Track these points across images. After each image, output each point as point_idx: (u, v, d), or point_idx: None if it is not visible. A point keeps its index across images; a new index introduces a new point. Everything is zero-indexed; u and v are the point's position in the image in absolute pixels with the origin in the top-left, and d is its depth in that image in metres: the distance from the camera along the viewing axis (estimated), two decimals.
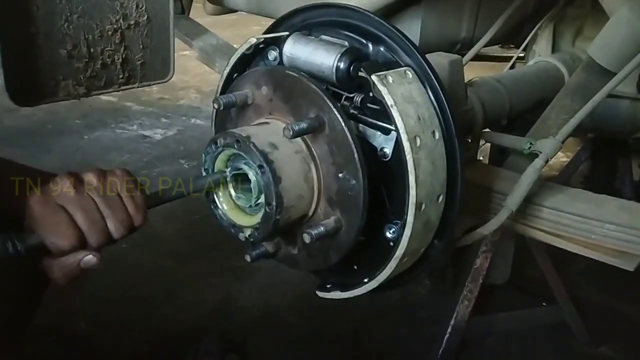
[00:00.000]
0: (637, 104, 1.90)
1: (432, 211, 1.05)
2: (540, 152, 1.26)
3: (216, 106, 1.09)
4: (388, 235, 1.07)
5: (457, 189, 1.06)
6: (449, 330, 1.93)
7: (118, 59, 1.76)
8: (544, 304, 2.21)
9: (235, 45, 2.22)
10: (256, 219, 1.05)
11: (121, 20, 1.73)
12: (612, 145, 2.62)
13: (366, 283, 1.12)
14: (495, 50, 3.47)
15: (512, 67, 2.26)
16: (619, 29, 1.31)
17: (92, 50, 1.69)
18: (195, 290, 2.30)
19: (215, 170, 1.09)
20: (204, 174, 1.10)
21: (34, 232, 0.87)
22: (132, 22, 1.75)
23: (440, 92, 1.05)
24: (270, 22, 1.25)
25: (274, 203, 1.00)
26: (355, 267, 1.15)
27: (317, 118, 1.01)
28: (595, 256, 1.26)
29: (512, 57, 3.46)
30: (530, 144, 1.30)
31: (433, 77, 1.05)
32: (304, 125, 0.99)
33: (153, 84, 1.89)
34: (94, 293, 2.17)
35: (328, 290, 1.20)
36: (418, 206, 1.01)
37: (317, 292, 1.21)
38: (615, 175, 2.76)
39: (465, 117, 1.48)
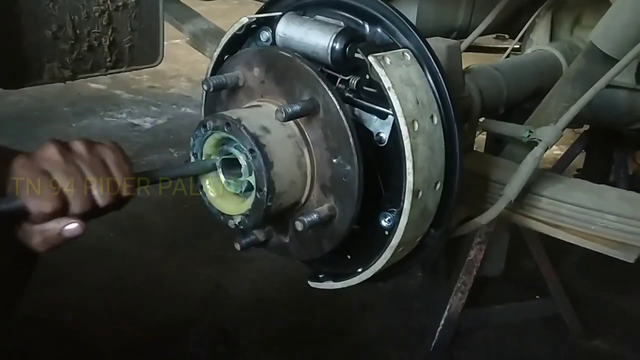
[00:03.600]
0: (636, 95, 1.87)
1: (429, 199, 1.01)
2: (540, 140, 1.22)
3: (205, 88, 1.05)
4: (383, 223, 1.03)
5: (456, 176, 1.03)
6: (442, 322, 1.91)
7: (105, 42, 1.70)
8: (537, 296, 2.19)
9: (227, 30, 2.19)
10: (246, 205, 1.01)
11: (109, 1, 1.67)
12: (608, 137, 2.59)
13: (360, 273, 1.09)
14: (489, 41, 3.45)
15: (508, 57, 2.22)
16: (622, 14, 1.27)
17: (78, 31, 1.64)
18: (184, 280, 2.26)
19: (204, 155, 1.05)
20: (192, 158, 1.06)
21: (15, 196, 0.83)
22: (120, 4, 1.70)
23: (440, 75, 1.01)
24: None
25: (265, 189, 0.96)
26: (349, 256, 1.12)
27: (311, 101, 0.97)
28: (595, 247, 1.23)
29: (506, 48, 3.43)
30: (530, 132, 1.27)
31: (432, 60, 1.01)
32: (297, 108, 0.95)
33: (142, 68, 1.84)
34: (80, 283, 2.13)
35: (320, 281, 1.16)
36: (415, 193, 0.97)
37: (309, 282, 1.18)
38: (609, 169, 2.73)
39: (462, 105, 1.44)
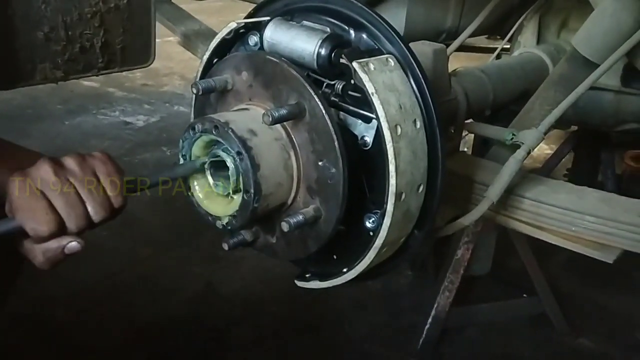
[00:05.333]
0: (621, 97, 1.90)
1: (412, 201, 1.03)
2: (523, 143, 1.25)
3: (195, 91, 1.07)
4: (368, 224, 1.05)
5: (438, 179, 1.05)
6: (430, 320, 1.93)
7: (97, 43, 1.72)
8: (524, 295, 2.22)
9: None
10: (234, 206, 1.03)
11: (101, 2, 1.69)
12: (595, 138, 2.63)
13: (345, 273, 1.11)
14: (481, 42, 3.47)
15: (497, 58, 2.25)
16: (603, 20, 1.30)
17: (70, 33, 1.65)
18: (175, 279, 2.28)
19: (193, 157, 1.07)
20: (181, 160, 1.08)
21: (13, 218, 0.87)
22: (112, 5, 1.71)
23: (423, 80, 1.03)
24: None
25: (252, 190, 0.98)
26: (335, 256, 1.14)
27: (297, 105, 0.99)
28: (576, 248, 1.26)
29: (496, 48, 3.48)
30: (513, 134, 1.30)
31: (415, 66, 1.04)
32: (283, 111, 0.97)
33: (134, 69, 1.85)
34: (71, 281, 2.14)
35: (307, 280, 1.19)
36: (398, 196, 0.99)
37: (296, 282, 1.20)
38: (598, 168, 2.77)
39: (448, 107, 1.47)
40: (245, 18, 1.20)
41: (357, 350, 1.99)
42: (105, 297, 2.15)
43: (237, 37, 1.17)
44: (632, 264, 1.27)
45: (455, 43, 2.04)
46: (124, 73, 1.84)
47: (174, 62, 4.97)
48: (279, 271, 2.31)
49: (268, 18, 1.13)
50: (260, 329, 2.05)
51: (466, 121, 1.53)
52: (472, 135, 1.89)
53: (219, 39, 1.17)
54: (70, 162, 0.90)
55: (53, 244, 0.89)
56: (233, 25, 1.14)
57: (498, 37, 3.00)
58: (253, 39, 1.14)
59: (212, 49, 1.18)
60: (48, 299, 2.10)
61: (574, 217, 1.24)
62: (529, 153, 1.24)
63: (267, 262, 2.30)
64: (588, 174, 2.79)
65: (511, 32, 2.04)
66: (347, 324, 2.10)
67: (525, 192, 1.29)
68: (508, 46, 2.38)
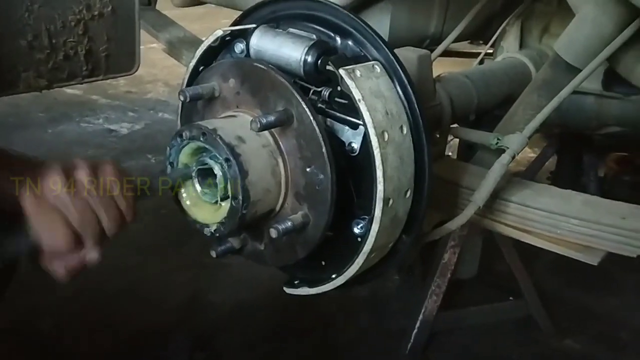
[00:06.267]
0: (602, 101, 1.93)
1: (399, 206, 1.04)
2: (508, 148, 1.26)
3: (182, 98, 1.07)
4: (356, 230, 1.06)
5: (425, 184, 1.06)
6: (418, 324, 1.94)
7: (81, 51, 1.71)
8: (510, 298, 2.24)
9: (202, 38, 2.20)
10: (222, 213, 1.03)
11: (84, 10, 1.67)
12: (578, 141, 2.66)
13: (334, 279, 1.11)
14: (464, 47, 3.50)
15: (480, 63, 2.27)
16: (584, 26, 1.32)
17: (53, 41, 1.64)
18: (162, 287, 2.27)
19: (180, 164, 1.07)
20: (169, 167, 1.08)
21: (30, 234, 0.89)
22: (96, 13, 1.70)
23: (409, 86, 1.04)
24: (239, 13, 1.23)
25: (240, 197, 0.98)
26: (323, 262, 1.15)
27: (285, 111, 1.00)
28: (561, 251, 1.27)
29: (479, 53, 3.50)
30: (498, 139, 1.31)
31: (401, 72, 1.05)
32: (271, 118, 0.98)
33: (118, 77, 1.85)
34: (56, 290, 2.12)
35: (295, 287, 1.19)
36: (385, 201, 1.00)
37: (285, 289, 1.20)
38: (581, 171, 2.81)
39: (433, 113, 1.48)
40: (231, 25, 1.20)
41: (346, 355, 1.99)
42: (91, 307, 2.13)
43: (223, 45, 1.17)
44: (616, 265, 1.29)
45: (439, 48, 2.05)
46: (107, 80, 1.83)
47: (158, 68, 4.95)
48: (266, 278, 2.31)
49: (254, 25, 1.14)
50: (248, 335, 2.04)
51: (451, 126, 1.54)
52: (457, 139, 1.90)
53: (205, 47, 1.17)
54: (83, 175, 0.91)
55: (71, 259, 0.92)
56: (219, 32, 1.14)
57: (480, 42, 3.04)
58: (239, 47, 1.15)
59: (198, 57, 1.19)
60: (32, 310, 2.08)
61: (559, 220, 1.26)
62: (513, 157, 1.25)
63: (254, 269, 2.28)
64: (571, 176, 2.82)
65: (494, 37, 2.06)
66: (335, 329, 2.10)
67: (510, 196, 1.31)
68: (491, 51, 2.41)
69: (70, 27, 1.67)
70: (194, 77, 1.19)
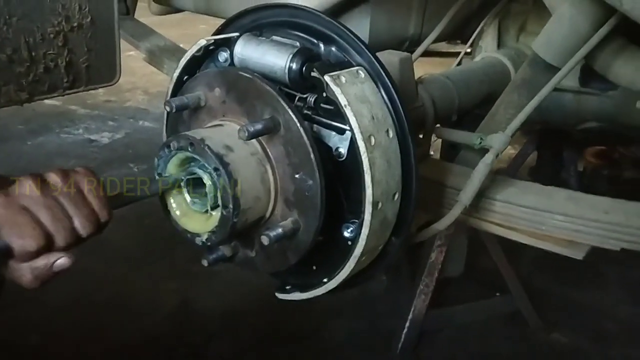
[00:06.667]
0: (580, 97, 1.97)
1: (388, 209, 1.05)
2: (491, 147, 1.28)
3: (168, 109, 1.07)
4: (346, 234, 1.07)
5: (412, 186, 1.07)
6: (407, 324, 1.96)
7: (62, 63, 1.69)
8: (497, 294, 2.27)
9: (182, 46, 2.20)
10: (212, 222, 1.03)
11: (63, 22, 1.66)
12: (558, 137, 2.70)
13: (326, 283, 1.12)
14: (441, 47, 3.54)
15: (459, 63, 2.30)
16: (561, 25, 1.35)
17: (33, 53, 1.63)
18: (150, 296, 2.26)
19: (167, 174, 1.07)
20: (157, 178, 1.08)
21: None
22: (75, 25, 1.69)
23: (393, 90, 1.05)
24: (218, 20, 1.23)
25: (230, 206, 0.99)
26: (314, 267, 1.15)
27: (272, 119, 1.00)
28: (546, 246, 1.30)
29: (458, 52, 3.55)
30: (481, 139, 1.33)
31: (385, 76, 1.06)
32: (259, 126, 0.98)
33: (99, 87, 1.83)
34: (44, 303, 2.10)
35: (287, 292, 1.19)
36: (375, 205, 1.01)
37: (277, 294, 1.21)
38: (561, 166, 2.85)
39: (416, 114, 1.50)
40: (214, 34, 1.21)
41: (337, 356, 2.00)
42: (80, 319, 2.11)
43: (207, 54, 1.17)
44: (599, 259, 1.32)
45: (419, 50, 2.07)
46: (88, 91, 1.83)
47: (137, 77, 4.93)
48: (254, 284, 2.31)
49: (237, 34, 1.14)
50: (239, 342, 2.04)
51: (435, 127, 1.56)
52: (439, 140, 1.92)
53: (188, 57, 1.17)
54: (53, 177, 0.88)
55: (41, 260, 0.85)
56: (202, 42, 1.14)
57: (458, 41, 3.08)
58: (223, 55, 1.15)
59: (182, 67, 1.19)
60: (20, 324, 2.05)
61: (543, 217, 1.28)
62: (497, 156, 1.27)
63: (242, 276, 2.29)
64: (551, 171, 2.87)
65: (472, 37, 2.09)
66: (326, 332, 2.11)
67: (495, 194, 1.33)
68: (469, 50, 2.44)
69: (50, 39, 1.65)
70: (179, 86, 1.19)
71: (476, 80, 1.80)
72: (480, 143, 1.32)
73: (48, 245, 0.85)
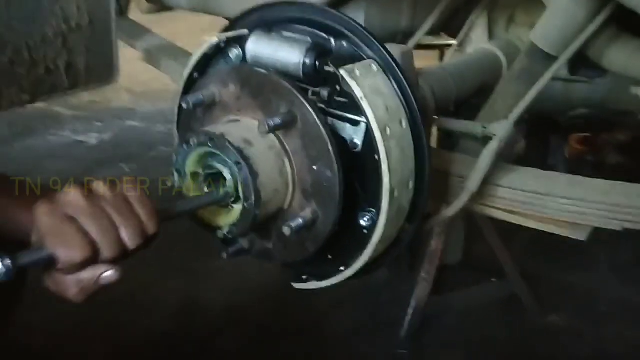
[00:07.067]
0: (569, 85, 2.03)
1: (403, 197, 1.09)
2: (494, 135, 1.33)
3: (185, 106, 1.09)
4: (362, 223, 1.10)
5: (425, 174, 1.11)
6: (410, 311, 2.00)
7: (62, 64, 1.71)
8: (493, 279, 2.32)
9: (178, 44, 2.21)
10: (233, 216, 1.05)
11: (63, 23, 1.68)
12: (545, 125, 2.77)
13: (343, 271, 1.15)
14: (425, 39, 3.58)
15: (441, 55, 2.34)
16: (558, 16, 1.39)
17: (34, 56, 1.64)
18: (153, 295, 2.27)
19: (187, 170, 1.09)
20: (175, 174, 1.10)
21: (42, 247, 0.81)
22: (73, 26, 1.70)
23: (404, 82, 1.09)
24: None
25: (252, 199, 1.01)
26: (330, 256, 1.18)
27: (289, 113, 1.03)
28: (550, 229, 1.34)
29: (441, 44, 3.61)
30: (484, 127, 1.37)
31: (396, 68, 1.09)
32: (278, 120, 1.01)
33: (98, 87, 1.85)
34: (46, 306, 2.09)
35: (304, 281, 1.22)
36: (391, 193, 1.04)
37: (293, 284, 1.23)
38: (548, 153, 2.92)
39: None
40: (222, 32, 1.23)
41: (343, 347, 2.04)
42: (84, 320, 2.11)
43: (218, 52, 1.19)
44: (591, 241, 1.37)
45: (411, 42, 2.11)
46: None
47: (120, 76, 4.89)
48: (256, 279, 2.34)
49: (247, 31, 1.17)
50: (245, 335, 2.07)
51: (435, 117, 1.60)
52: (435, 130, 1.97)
53: (200, 55, 1.19)
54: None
55: (87, 273, 0.82)
56: (214, 40, 1.16)
57: (440, 33, 3.13)
58: (234, 52, 1.17)
59: (193, 65, 1.21)
60: (23, 326, 2.04)
61: (546, 201, 1.32)
62: (501, 144, 1.31)
63: (244, 271, 2.32)
64: (539, 158, 2.94)
65: (464, 30, 2.12)
66: (329, 323, 2.15)
67: (499, 180, 1.37)
68: (453, 41, 2.49)
69: (50, 40, 1.67)
70: (190, 84, 1.21)
71: (471, 71, 1.84)
72: (483, 132, 1.36)
73: (94, 257, 0.81)
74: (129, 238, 0.84)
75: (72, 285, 0.83)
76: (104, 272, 0.84)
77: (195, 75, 1.21)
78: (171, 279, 2.36)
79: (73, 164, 3.48)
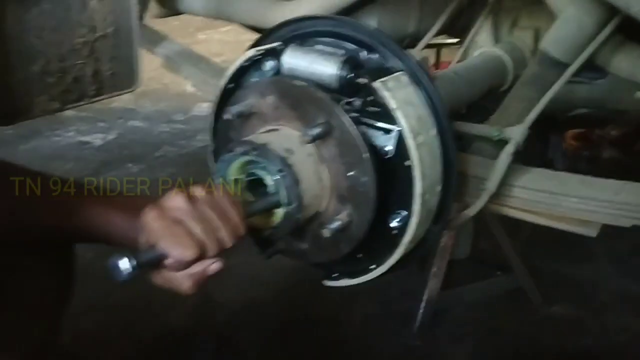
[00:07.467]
0: (571, 86, 2.10)
1: (432, 200, 1.17)
2: (510, 139, 1.41)
3: (229, 117, 1.17)
4: (393, 224, 1.18)
5: (452, 178, 1.19)
6: (423, 305, 2.09)
7: (88, 72, 1.77)
8: (498, 273, 2.41)
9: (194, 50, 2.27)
10: (275, 219, 1.13)
11: (89, 33, 1.73)
12: (544, 123, 2.85)
13: (374, 269, 1.23)
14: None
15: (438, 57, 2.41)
16: (568, 25, 1.48)
17: (63, 64, 1.70)
18: (168, 293, 2.32)
19: (229, 178, 1.16)
20: (218, 181, 1.17)
21: (153, 247, 0.92)
22: (100, 34, 1.76)
23: (433, 92, 1.17)
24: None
25: (295, 204, 1.09)
26: (359, 255, 1.26)
27: (327, 123, 1.10)
28: (563, 227, 1.43)
29: (438, 44, 3.69)
30: (499, 131, 1.45)
31: (424, 80, 1.17)
32: (319, 130, 1.08)
33: (122, 94, 1.91)
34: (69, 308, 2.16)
35: (336, 279, 1.30)
36: (422, 196, 1.13)
37: (325, 282, 1.31)
38: (547, 149, 3.02)
39: None
40: (254, 45, 1.30)
41: (358, 340, 2.12)
42: (105, 320, 2.18)
43: (253, 64, 1.27)
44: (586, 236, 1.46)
45: (419, 46, 2.18)
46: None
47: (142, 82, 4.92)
48: (267, 276, 2.42)
49: (280, 44, 1.24)
50: (263, 330, 2.14)
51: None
52: None
53: (237, 66, 1.26)
54: (198, 191, 0.96)
55: (197, 267, 0.94)
56: (251, 53, 1.24)
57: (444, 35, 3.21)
58: (269, 64, 1.25)
59: (230, 76, 1.28)
60: None
61: (559, 200, 1.40)
62: (517, 147, 1.40)
63: (255, 269, 2.37)
64: (538, 155, 3.03)
65: (471, 34, 2.19)
66: (344, 317, 2.23)
67: (514, 181, 1.45)
68: (455, 41, 2.56)
69: (78, 49, 1.72)
70: (225, 94, 1.28)
71: (479, 75, 1.92)
72: (498, 135, 1.44)
73: (202, 256, 0.93)
74: (227, 238, 0.96)
75: (185, 279, 0.96)
76: (211, 264, 0.96)
77: (231, 85, 1.29)
78: None
79: (81, 165, 3.53)
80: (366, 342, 2.13)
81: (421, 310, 2.09)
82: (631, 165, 3.09)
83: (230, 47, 5.68)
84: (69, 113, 4.49)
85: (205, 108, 4.70)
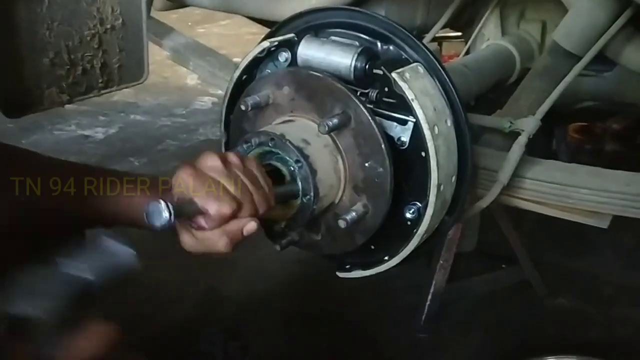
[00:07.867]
0: (579, 79, 2.10)
1: (447, 191, 1.17)
2: (522, 130, 1.41)
3: (244, 108, 1.16)
4: (407, 215, 1.18)
5: (467, 169, 1.19)
6: (430, 297, 2.09)
7: (97, 64, 1.76)
8: (503, 265, 2.42)
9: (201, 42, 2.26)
10: (291, 210, 1.13)
11: (98, 24, 1.72)
12: (549, 115, 2.86)
13: (388, 260, 1.24)
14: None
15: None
16: (580, 17, 1.48)
17: (72, 56, 1.69)
18: (177, 287, 2.34)
19: None
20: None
21: (190, 200, 0.92)
22: (108, 26, 1.75)
23: (449, 83, 1.17)
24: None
25: (311, 194, 1.09)
26: (372, 246, 1.26)
27: (344, 114, 1.11)
28: (573, 218, 1.43)
29: (441, 37, 3.69)
30: (511, 123, 1.45)
31: (441, 70, 1.17)
32: (335, 121, 1.08)
33: (130, 86, 1.90)
34: None
35: (349, 270, 1.30)
36: (438, 187, 1.13)
37: (338, 274, 1.32)
38: (551, 140, 3.03)
39: None
40: (268, 36, 1.30)
41: (365, 332, 2.13)
42: (112, 312, 2.17)
43: (267, 55, 1.26)
44: (588, 228, 1.46)
45: (426, 38, 2.19)
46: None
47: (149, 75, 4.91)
48: (273, 269, 2.42)
49: (293, 35, 1.24)
50: (270, 323, 2.15)
51: None
52: None
53: (251, 57, 1.26)
54: (232, 157, 0.97)
55: (234, 224, 0.94)
56: (266, 44, 1.23)
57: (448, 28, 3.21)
58: (283, 56, 1.24)
59: (243, 67, 1.28)
60: None
61: (570, 191, 1.41)
62: (529, 138, 1.40)
63: (260, 262, 2.38)
64: (543, 147, 3.03)
65: (478, 26, 2.19)
66: (350, 309, 2.23)
67: (525, 172, 1.45)
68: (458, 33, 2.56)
69: (87, 41, 1.71)
70: (240, 86, 1.28)
71: (488, 67, 1.93)
72: (510, 127, 1.44)
73: (237, 212, 0.94)
74: (259, 203, 0.97)
75: (220, 238, 0.95)
76: (248, 222, 0.96)
77: (244, 77, 1.28)
78: (192, 271, 2.42)
79: (83, 159, 3.52)
80: (373, 334, 2.14)
81: (428, 303, 2.10)
82: (634, 157, 3.10)
83: (230, 40, 5.67)
84: (70, 107, 4.44)
85: (206, 101, 4.70)
